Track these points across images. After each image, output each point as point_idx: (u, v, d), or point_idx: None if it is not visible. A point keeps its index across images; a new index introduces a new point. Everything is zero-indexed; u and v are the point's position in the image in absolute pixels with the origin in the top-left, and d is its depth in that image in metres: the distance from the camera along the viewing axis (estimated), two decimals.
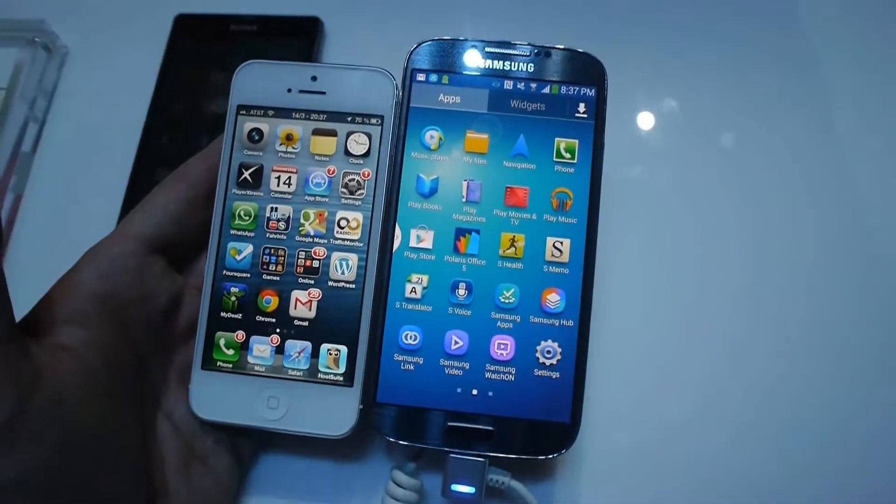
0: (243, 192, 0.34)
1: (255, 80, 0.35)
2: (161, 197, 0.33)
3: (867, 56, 0.45)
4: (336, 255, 0.34)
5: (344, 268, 0.34)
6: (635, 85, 0.45)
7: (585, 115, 0.35)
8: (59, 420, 0.27)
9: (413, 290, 0.34)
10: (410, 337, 0.34)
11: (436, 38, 0.36)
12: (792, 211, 0.42)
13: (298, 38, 0.46)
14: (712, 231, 0.41)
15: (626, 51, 0.43)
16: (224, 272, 0.34)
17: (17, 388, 0.26)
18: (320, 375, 0.33)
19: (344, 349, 0.33)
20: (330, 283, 0.34)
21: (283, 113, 0.35)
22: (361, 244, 0.34)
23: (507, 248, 0.34)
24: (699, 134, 0.44)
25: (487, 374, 0.33)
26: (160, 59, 0.46)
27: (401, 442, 0.33)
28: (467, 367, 0.33)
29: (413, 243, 0.34)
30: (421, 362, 0.34)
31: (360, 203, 0.34)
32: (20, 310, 0.30)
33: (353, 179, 0.34)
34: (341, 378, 0.33)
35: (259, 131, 0.35)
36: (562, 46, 0.36)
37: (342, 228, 0.34)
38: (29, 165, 0.45)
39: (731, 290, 0.40)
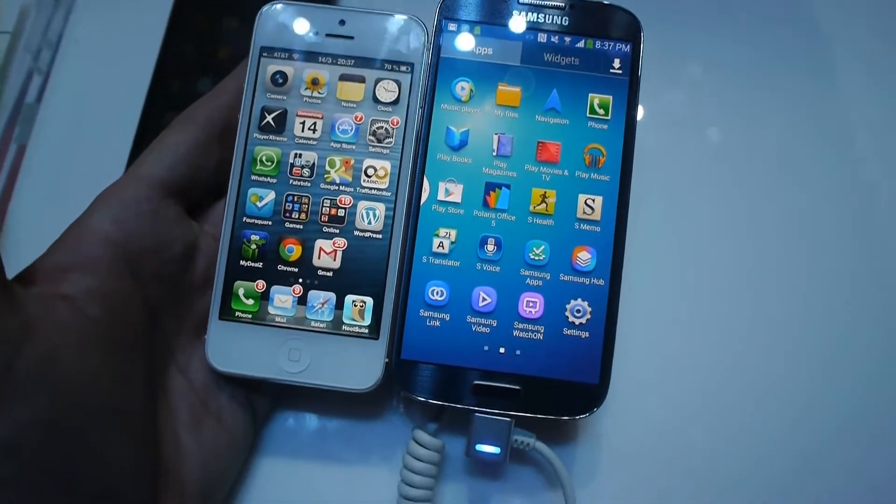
0: (266, 137, 0.33)
1: (279, 22, 0.34)
2: (171, 138, 0.32)
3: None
4: (363, 204, 0.33)
5: (371, 217, 0.32)
6: (662, 62, 0.43)
7: (620, 72, 0.34)
8: (50, 376, 0.25)
9: (441, 245, 0.33)
10: (437, 293, 0.33)
11: None
12: (828, 193, 0.41)
13: None
14: (748, 203, 0.41)
15: None
16: (244, 219, 0.33)
17: (2, 343, 0.24)
18: (345, 327, 0.32)
19: (370, 301, 0.32)
20: (356, 233, 0.32)
21: (309, 57, 0.33)
22: (389, 194, 0.33)
23: (538, 205, 0.33)
24: (732, 109, 0.43)
25: (515, 333, 0.32)
26: (170, 7, 0.44)
27: (426, 399, 0.32)
28: (495, 325, 0.32)
29: (441, 196, 0.33)
30: (447, 319, 0.32)
31: (388, 152, 0.33)
32: (23, 262, 0.29)
33: (382, 127, 0.33)
34: (366, 330, 0.32)
35: (283, 74, 0.33)
36: (597, 0, 0.35)
37: (369, 177, 0.33)
38: (33, 116, 0.44)
39: (763, 261, 0.39)
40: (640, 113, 0.34)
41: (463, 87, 0.34)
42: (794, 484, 0.36)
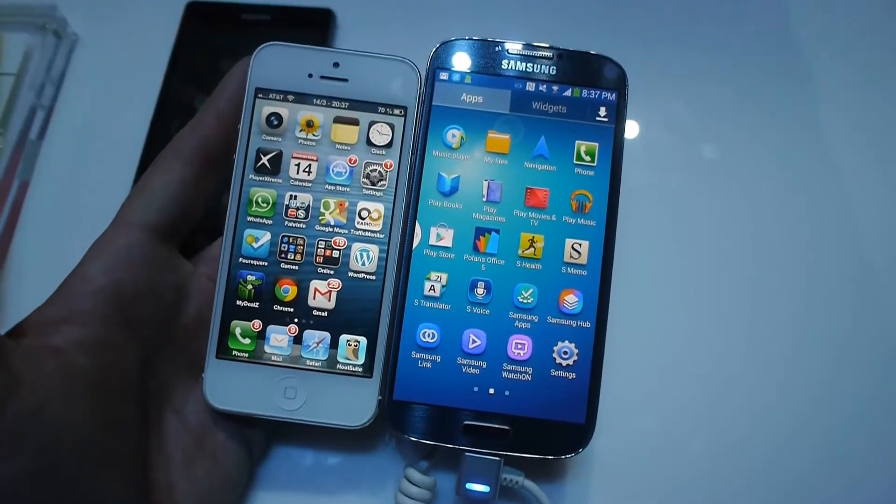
0: (261, 179, 0.34)
1: (274, 63, 0.34)
2: (158, 178, 0.32)
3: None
4: (357, 246, 0.33)
5: (364, 259, 0.33)
6: (643, 91, 0.45)
7: (606, 119, 0.35)
8: (38, 428, 0.26)
9: (432, 288, 0.34)
10: (428, 335, 0.33)
11: (459, 37, 0.36)
12: (803, 217, 0.42)
13: (310, 30, 0.46)
14: (729, 237, 0.42)
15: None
16: (240, 260, 0.33)
17: None
18: (339, 366, 0.33)
19: (363, 340, 0.33)
20: (350, 274, 0.33)
21: (304, 98, 0.34)
22: (382, 236, 0.34)
23: (527, 249, 0.34)
24: (710, 141, 0.44)
25: (504, 374, 0.33)
26: (170, 48, 0.46)
27: (418, 440, 0.33)
28: (484, 366, 0.33)
29: (433, 241, 0.34)
30: (438, 360, 0.33)
31: (381, 194, 0.34)
32: (28, 297, 0.30)
33: (375, 170, 0.34)
34: (360, 369, 0.33)
35: (278, 116, 0.34)
36: (584, 50, 0.36)
37: (363, 219, 0.34)
38: (36, 153, 0.45)
39: (747, 296, 0.40)
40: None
41: (454, 135, 0.35)
42: None
